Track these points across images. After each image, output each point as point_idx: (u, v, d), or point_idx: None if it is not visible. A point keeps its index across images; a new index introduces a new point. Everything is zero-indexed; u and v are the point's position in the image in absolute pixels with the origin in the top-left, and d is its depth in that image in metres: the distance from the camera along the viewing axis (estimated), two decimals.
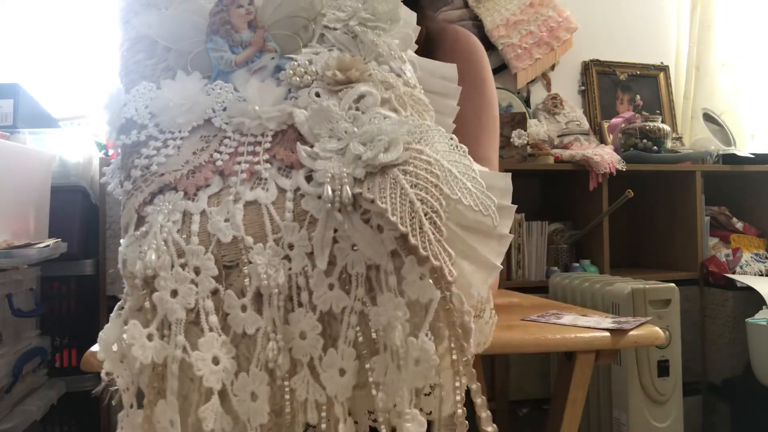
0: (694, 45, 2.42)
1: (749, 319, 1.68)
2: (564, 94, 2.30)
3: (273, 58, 0.40)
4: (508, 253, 1.86)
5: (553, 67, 2.33)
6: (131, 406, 0.34)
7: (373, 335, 0.33)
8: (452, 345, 0.32)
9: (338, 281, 0.34)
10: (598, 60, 2.36)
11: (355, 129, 0.35)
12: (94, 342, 0.60)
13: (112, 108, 0.38)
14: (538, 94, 2.32)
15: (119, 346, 0.34)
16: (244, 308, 0.33)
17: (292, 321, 0.33)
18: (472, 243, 0.35)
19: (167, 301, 0.33)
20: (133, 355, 0.32)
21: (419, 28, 0.44)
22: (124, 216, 0.36)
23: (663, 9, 2.50)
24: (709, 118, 2.31)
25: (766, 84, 2.38)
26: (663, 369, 1.45)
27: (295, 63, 0.39)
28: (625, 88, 2.39)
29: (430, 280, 0.32)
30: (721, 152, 2.09)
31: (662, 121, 2.09)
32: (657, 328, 0.76)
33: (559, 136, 2.21)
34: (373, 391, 0.33)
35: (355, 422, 0.35)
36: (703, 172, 2.01)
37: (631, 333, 0.73)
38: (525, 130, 1.88)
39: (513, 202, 0.36)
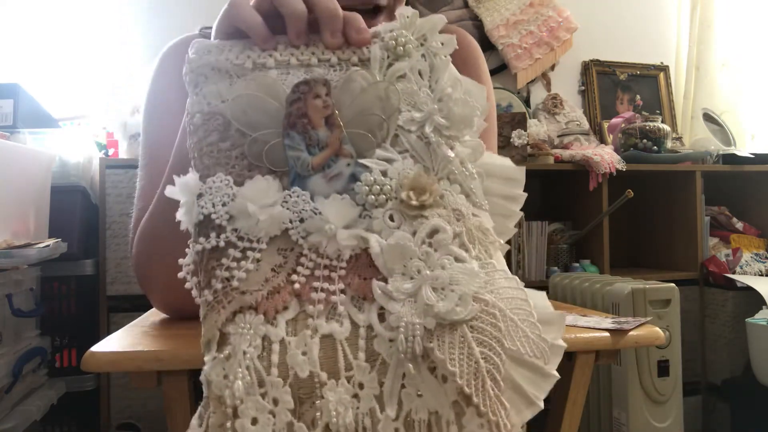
0: (694, 45, 2.42)
1: (749, 319, 1.68)
2: (564, 94, 2.30)
3: (348, 164, 0.40)
4: (508, 253, 1.86)
5: (553, 67, 2.33)
6: None
7: None
8: None
9: (403, 426, 0.35)
10: (598, 60, 2.36)
11: (428, 272, 0.37)
12: (94, 342, 0.61)
13: (187, 197, 0.38)
14: (538, 94, 2.32)
15: None
16: None
17: None
18: (519, 380, 0.37)
19: (248, 429, 0.34)
20: None
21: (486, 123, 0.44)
22: (206, 332, 0.37)
23: (663, 9, 2.50)
24: (709, 118, 2.31)
25: (766, 84, 2.38)
26: (663, 369, 1.45)
27: (371, 178, 0.39)
28: (625, 88, 2.39)
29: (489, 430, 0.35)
30: (721, 152, 2.09)
31: (662, 121, 2.09)
32: (657, 328, 0.76)
33: (559, 136, 2.21)
34: None
35: None
36: (703, 172, 2.01)
37: (631, 333, 0.73)
38: (525, 130, 1.89)
39: None
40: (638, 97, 2.38)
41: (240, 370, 0.35)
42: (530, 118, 2.20)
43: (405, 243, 0.38)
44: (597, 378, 1.56)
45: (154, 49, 1.86)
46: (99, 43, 1.99)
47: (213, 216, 0.37)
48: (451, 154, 0.41)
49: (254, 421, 0.34)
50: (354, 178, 0.40)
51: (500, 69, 2.28)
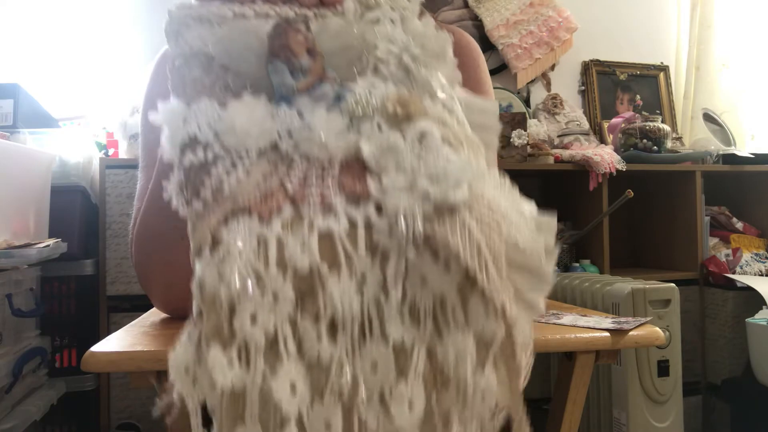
0: (694, 45, 2.42)
1: (749, 319, 1.68)
2: (564, 94, 2.30)
3: (333, 87, 0.40)
4: None
5: (553, 67, 2.33)
6: (197, 427, 0.34)
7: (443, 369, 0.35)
8: (508, 378, 0.35)
9: (408, 313, 0.35)
10: (598, 60, 2.36)
11: (422, 165, 0.37)
12: (94, 342, 0.61)
13: (172, 123, 0.38)
14: (538, 94, 2.32)
15: (192, 369, 0.34)
16: (319, 336, 0.34)
17: (365, 353, 0.34)
18: (519, 284, 0.37)
19: (247, 326, 0.33)
20: (213, 380, 0.32)
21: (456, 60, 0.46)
22: (197, 236, 0.36)
23: (663, 9, 2.50)
24: (709, 118, 2.31)
25: (766, 84, 2.38)
26: (663, 369, 1.45)
27: (357, 94, 0.40)
28: (625, 88, 2.39)
29: (494, 314, 0.34)
30: (721, 152, 2.09)
31: (662, 121, 2.09)
32: (657, 328, 0.76)
33: (559, 136, 2.21)
34: (439, 426, 0.34)
35: None
36: (703, 172, 2.01)
37: (631, 333, 0.73)
38: (525, 130, 1.88)
39: None
40: (638, 97, 2.38)
41: (236, 266, 0.33)
42: (530, 118, 2.20)
43: (396, 142, 0.38)
44: (597, 378, 1.56)
45: (153, 49, 1.86)
46: (99, 43, 1.99)
47: (199, 136, 0.37)
48: (431, 76, 0.42)
49: (253, 319, 0.33)
50: (339, 98, 0.40)
51: (500, 69, 2.28)
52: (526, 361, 0.37)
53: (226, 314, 0.33)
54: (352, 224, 0.36)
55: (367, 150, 0.38)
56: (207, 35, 0.40)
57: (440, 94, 0.42)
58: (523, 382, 0.36)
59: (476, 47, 0.76)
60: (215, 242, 0.35)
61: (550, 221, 0.38)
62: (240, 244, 0.34)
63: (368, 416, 0.33)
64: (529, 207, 0.38)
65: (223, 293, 0.33)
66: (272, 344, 0.33)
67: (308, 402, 0.33)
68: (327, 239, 0.35)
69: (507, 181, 0.39)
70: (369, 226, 0.36)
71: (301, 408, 0.33)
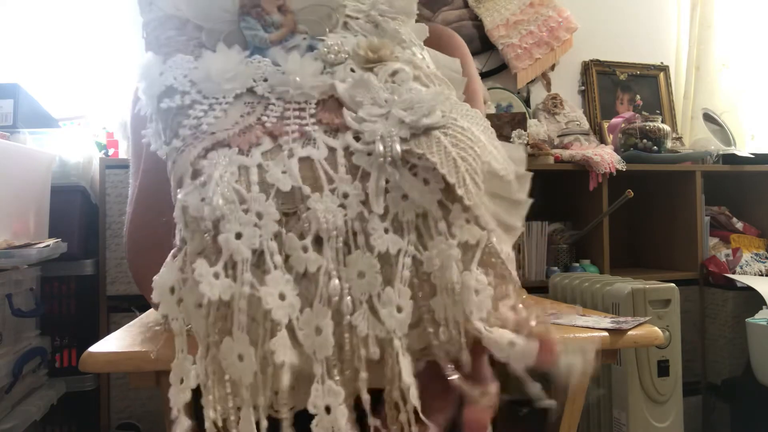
0: (694, 45, 2.42)
1: (749, 319, 1.68)
2: (564, 94, 2.30)
3: (305, 39, 0.42)
4: None
5: (553, 67, 2.33)
6: (182, 351, 0.35)
7: (429, 278, 0.36)
8: (497, 275, 0.36)
9: (392, 226, 0.36)
10: (598, 60, 2.36)
11: (395, 97, 0.39)
12: (94, 342, 0.61)
13: (149, 77, 0.39)
14: (538, 94, 2.32)
15: (176, 290, 0.34)
16: (305, 249, 0.35)
17: (350, 263, 0.35)
18: (496, 207, 0.38)
19: (233, 242, 0.34)
20: (200, 292, 0.33)
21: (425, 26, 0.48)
22: (177, 169, 0.37)
23: (663, 9, 2.50)
24: (709, 118, 2.31)
25: (766, 84, 2.38)
26: (663, 369, 1.45)
27: (329, 42, 0.42)
28: (625, 88, 2.39)
29: (474, 224, 0.36)
30: (721, 152, 2.09)
31: (662, 121, 2.09)
32: (656, 328, 0.76)
33: (559, 136, 2.21)
34: (430, 329, 0.35)
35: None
36: (703, 172, 2.01)
37: (630, 333, 0.73)
38: (525, 130, 1.88)
39: None
40: (638, 97, 2.38)
41: (218, 188, 0.34)
42: (530, 118, 2.20)
43: (369, 79, 0.40)
44: (597, 378, 1.56)
45: None
46: (99, 43, 1.99)
47: (175, 85, 0.38)
48: (399, 28, 0.45)
49: (238, 236, 0.34)
50: (311, 48, 0.42)
51: (500, 69, 2.28)
52: (514, 272, 0.39)
53: (211, 233, 0.34)
54: (331, 150, 0.37)
55: (341, 88, 0.40)
56: (180, 1, 0.41)
57: (409, 43, 0.44)
58: (516, 289, 0.38)
59: (462, 43, 0.77)
60: (196, 172, 0.36)
61: (519, 151, 0.41)
62: (221, 170, 0.35)
63: (358, 320, 0.35)
64: (501, 143, 0.41)
65: (206, 213, 0.34)
66: (259, 259, 0.34)
67: (298, 310, 0.34)
68: (307, 163, 0.37)
69: (484, 120, 0.41)
70: (348, 152, 0.37)
71: (291, 315, 0.34)
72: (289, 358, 0.33)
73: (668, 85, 2.44)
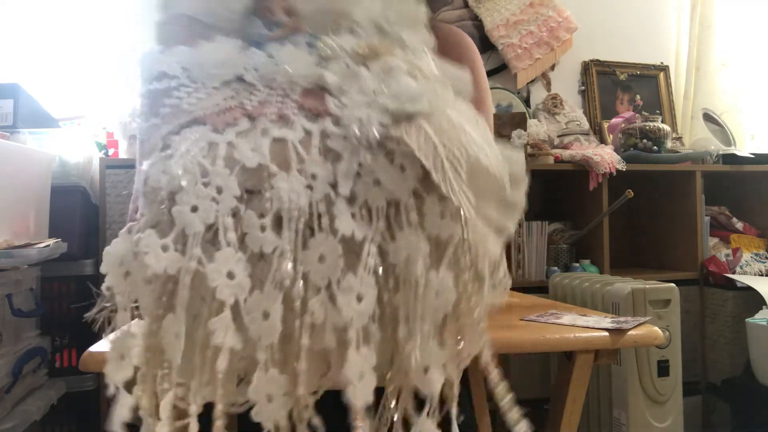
0: (694, 45, 2.42)
1: (749, 319, 1.68)
2: (564, 94, 2.30)
3: (305, 37, 0.42)
4: (508, 253, 1.86)
5: (553, 67, 2.33)
6: (124, 327, 0.34)
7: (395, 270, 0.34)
8: (467, 278, 0.34)
9: (359, 212, 0.34)
10: (598, 60, 2.36)
11: (384, 88, 0.37)
12: (93, 342, 0.61)
13: (145, 63, 0.39)
14: (538, 94, 2.31)
15: (126, 262, 0.33)
16: (263, 228, 0.33)
17: (312, 245, 0.34)
18: (486, 209, 0.36)
19: (186, 214, 0.32)
20: (145, 263, 0.31)
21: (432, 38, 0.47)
22: (148, 144, 0.36)
23: (663, 9, 2.50)
24: (709, 118, 2.31)
25: (766, 84, 2.38)
26: (663, 369, 1.45)
27: (326, 39, 0.41)
28: (625, 88, 2.39)
29: (452, 218, 0.34)
30: (721, 152, 2.09)
31: (662, 121, 2.09)
32: (656, 328, 0.76)
33: (559, 136, 2.21)
34: (401, 332, 0.33)
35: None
36: (703, 172, 2.01)
37: (630, 333, 0.73)
38: (525, 130, 1.88)
39: None
40: (638, 97, 2.38)
41: (180, 161, 0.33)
42: (530, 118, 2.20)
43: (360, 71, 0.39)
44: (597, 378, 1.56)
45: None
46: (99, 43, 1.99)
47: (167, 70, 0.38)
48: (403, 33, 0.44)
49: (194, 209, 0.32)
50: (310, 45, 0.41)
51: (500, 69, 2.28)
52: (498, 278, 0.37)
53: (167, 204, 0.33)
54: (307, 133, 0.36)
55: (330, 78, 0.39)
56: (192, 3, 0.41)
57: (412, 48, 0.43)
58: (490, 292, 0.35)
59: (471, 43, 0.76)
60: (165, 147, 0.35)
61: (519, 155, 0.39)
62: (188, 144, 0.34)
63: (315, 307, 0.33)
64: (501, 146, 0.39)
65: (164, 183, 0.33)
66: (214, 236, 0.33)
67: (247, 291, 0.32)
68: (280, 144, 0.35)
69: (479, 117, 0.39)
70: (324, 135, 0.36)
71: (239, 296, 0.32)
72: (230, 341, 0.31)
73: (668, 85, 2.44)
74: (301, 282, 0.33)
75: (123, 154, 1.73)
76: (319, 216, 0.34)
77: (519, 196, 0.38)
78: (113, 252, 0.33)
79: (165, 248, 0.32)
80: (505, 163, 0.37)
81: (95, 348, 0.58)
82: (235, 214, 0.33)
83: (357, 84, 0.38)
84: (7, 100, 1.54)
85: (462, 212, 0.34)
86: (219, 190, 0.33)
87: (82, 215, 1.58)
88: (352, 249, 0.34)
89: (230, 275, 0.32)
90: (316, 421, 0.31)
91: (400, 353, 0.34)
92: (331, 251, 0.33)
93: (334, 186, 0.34)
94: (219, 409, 0.32)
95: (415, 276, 0.33)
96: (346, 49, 0.41)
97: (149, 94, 0.38)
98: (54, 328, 1.54)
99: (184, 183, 0.33)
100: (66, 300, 1.58)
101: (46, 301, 1.51)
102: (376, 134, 0.34)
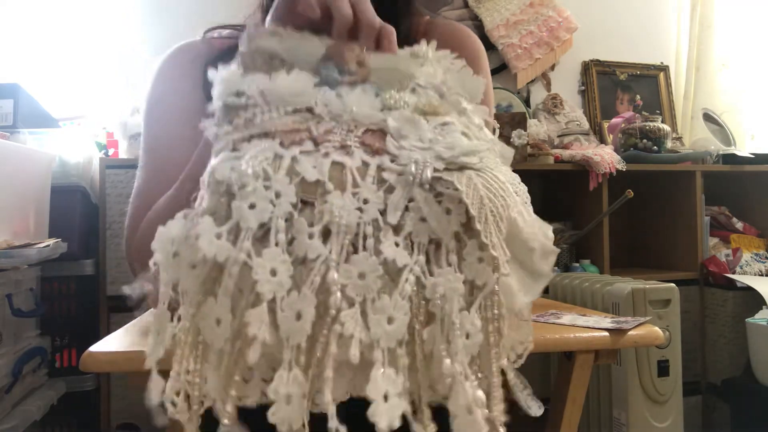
0: (694, 45, 2.42)
1: (749, 319, 1.68)
2: (564, 94, 2.30)
3: (373, 87, 0.44)
4: None
5: (553, 67, 2.33)
6: (163, 303, 0.35)
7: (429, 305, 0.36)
8: (491, 329, 0.37)
9: (403, 242, 0.37)
10: (598, 60, 2.36)
11: (440, 138, 0.40)
12: (93, 342, 0.61)
13: (225, 83, 0.41)
14: (538, 94, 2.32)
15: (177, 242, 0.35)
16: (311, 236, 0.35)
17: (354, 261, 0.35)
18: (516, 270, 0.39)
19: (244, 210, 0.34)
20: (198, 246, 0.33)
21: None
22: (220, 146, 0.38)
23: (663, 9, 2.50)
24: (709, 118, 2.31)
25: (766, 84, 2.38)
26: (663, 369, 1.45)
27: (392, 92, 0.44)
28: (625, 88, 2.39)
29: (488, 266, 0.36)
30: (721, 152, 2.09)
31: (662, 121, 2.09)
32: (656, 328, 0.76)
33: (559, 136, 2.21)
34: (422, 364, 0.35)
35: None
36: (703, 172, 2.01)
37: (630, 333, 0.73)
38: (525, 130, 1.88)
39: None
40: (638, 97, 2.38)
41: (250, 163, 0.36)
42: (530, 118, 2.20)
43: (419, 121, 0.42)
44: (597, 378, 1.56)
45: (154, 49, 1.86)
46: (99, 43, 1.99)
47: (246, 91, 0.40)
48: (463, 101, 0.46)
49: (252, 206, 0.34)
50: (376, 95, 0.44)
51: (500, 69, 2.28)
52: (522, 337, 0.40)
53: (227, 198, 0.35)
54: (365, 164, 0.39)
55: (392, 122, 0.41)
56: (275, 42, 0.44)
57: (469, 114, 0.46)
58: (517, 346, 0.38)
59: (477, 41, 0.76)
60: (235, 149, 0.38)
61: (549, 229, 0.41)
62: (256, 151, 0.37)
63: (346, 319, 0.34)
64: (545, 227, 0.42)
65: (231, 178, 0.35)
66: (264, 236, 0.35)
67: (285, 290, 0.34)
68: (338, 167, 0.38)
69: (522, 187, 0.42)
70: (380, 168, 0.39)
71: (277, 294, 0.34)
72: (263, 334, 0.33)
73: (668, 85, 2.44)
74: (339, 293, 0.34)
75: (123, 154, 1.73)
76: (365, 237, 0.36)
77: (546, 268, 0.40)
78: (166, 231, 0.35)
79: (218, 236, 0.34)
80: (540, 233, 0.39)
81: (95, 348, 0.58)
82: (287, 219, 0.35)
83: (416, 132, 0.41)
84: (7, 100, 1.54)
85: (497, 262, 0.36)
86: (277, 195, 0.35)
87: (82, 215, 1.58)
88: (391, 274, 0.36)
89: (273, 272, 0.34)
90: (342, 430, 0.32)
91: (433, 387, 0.36)
92: (372, 270, 0.35)
93: (383, 213, 0.37)
94: (233, 395, 0.34)
95: (449, 314, 0.35)
96: (408, 103, 0.43)
97: (226, 105, 0.40)
98: (54, 328, 1.54)
99: (247, 181, 0.35)
100: (66, 300, 1.58)
101: (46, 301, 1.52)
102: (429, 175, 0.37)
